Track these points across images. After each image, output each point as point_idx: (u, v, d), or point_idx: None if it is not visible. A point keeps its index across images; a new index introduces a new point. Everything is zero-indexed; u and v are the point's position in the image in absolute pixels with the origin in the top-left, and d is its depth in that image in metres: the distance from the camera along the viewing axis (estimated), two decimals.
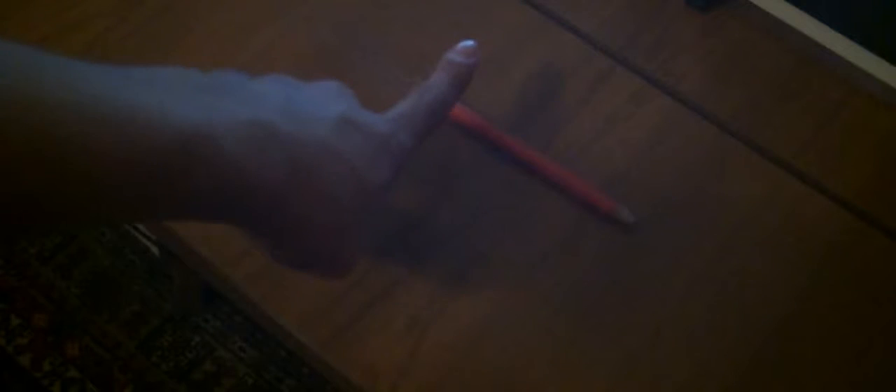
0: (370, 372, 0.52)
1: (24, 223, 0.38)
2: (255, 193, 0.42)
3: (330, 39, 0.63)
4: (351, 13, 0.64)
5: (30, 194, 0.36)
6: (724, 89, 0.64)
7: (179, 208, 0.41)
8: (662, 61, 0.65)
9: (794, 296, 0.57)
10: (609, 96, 0.63)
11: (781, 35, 0.66)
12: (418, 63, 0.62)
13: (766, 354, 0.55)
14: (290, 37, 0.63)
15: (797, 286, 0.57)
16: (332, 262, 0.48)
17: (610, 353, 0.54)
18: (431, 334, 0.53)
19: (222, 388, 1.33)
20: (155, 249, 1.37)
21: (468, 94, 0.53)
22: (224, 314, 1.38)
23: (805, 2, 0.65)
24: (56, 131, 0.35)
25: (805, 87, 0.65)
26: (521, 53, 0.64)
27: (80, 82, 0.37)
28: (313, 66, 0.62)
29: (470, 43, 0.52)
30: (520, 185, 0.59)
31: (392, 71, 0.62)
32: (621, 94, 0.63)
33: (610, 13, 0.66)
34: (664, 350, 0.54)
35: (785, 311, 0.56)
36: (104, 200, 0.38)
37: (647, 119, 0.62)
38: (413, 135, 0.49)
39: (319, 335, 0.53)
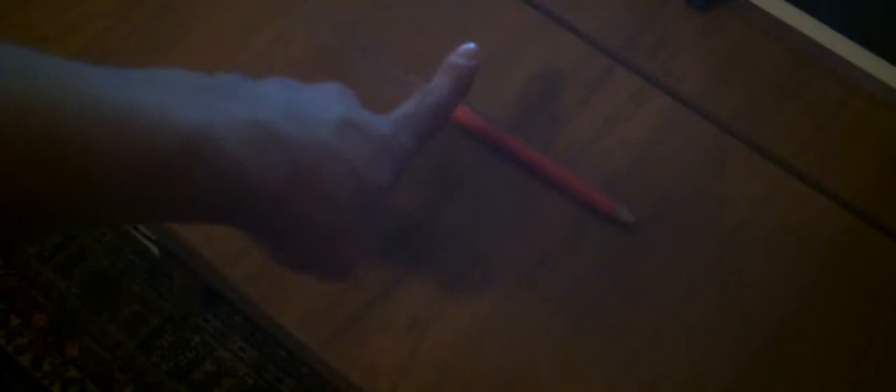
0: (370, 372, 0.52)
1: (24, 223, 0.38)
2: (255, 194, 0.42)
3: (330, 39, 0.63)
4: (351, 13, 0.64)
5: (30, 195, 0.36)
6: (724, 89, 0.64)
7: (180, 209, 0.41)
8: (662, 61, 0.65)
9: (794, 296, 0.57)
10: (609, 96, 0.63)
11: (781, 35, 0.66)
12: (418, 63, 0.62)
13: (766, 354, 0.55)
14: (290, 37, 0.63)
15: (797, 286, 0.57)
16: (334, 264, 0.48)
17: (610, 353, 0.54)
18: (431, 334, 0.53)
19: (222, 388, 1.33)
20: (155, 249, 1.37)
21: (468, 94, 0.53)
22: (224, 314, 1.38)
23: (805, 2, 0.65)
24: (56, 132, 0.35)
25: (805, 87, 0.65)
26: (521, 53, 0.64)
27: (79, 83, 0.37)
28: (313, 66, 0.62)
29: (471, 46, 0.52)
30: (520, 185, 0.59)
31: (392, 71, 0.62)
32: (621, 94, 0.63)
33: (610, 13, 0.66)
34: (664, 350, 0.54)
35: (785, 311, 0.56)
36: (104, 201, 0.38)
37: (647, 119, 0.62)
38: (414, 136, 0.49)
39: (319, 335, 0.53)
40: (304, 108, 0.44)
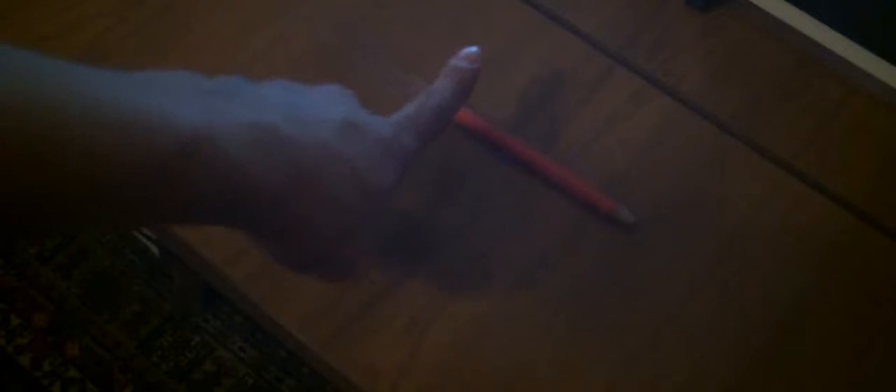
0: (370, 372, 0.52)
1: (25, 224, 0.38)
2: (256, 195, 0.42)
3: (330, 39, 0.63)
4: (351, 13, 0.64)
5: (30, 195, 0.36)
6: (724, 89, 0.64)
7: (181, 211, 0.41)
8: (662, 61, 0.65)
9: (794, 296, 0.57)
10: (609, 96, 0.63)
11: (781, 35, 0.66)
12: (418, 63, 0.62)
13: (766, 354, 0.55)
14: (290, 37, 0.63)
15: (797, 286, 0.57)
16: (334, 264, 0.48)
17: (610, 353, 0.54)
18: (431, 334, 0.53)
19: (222, 388, 1.33)
20: (155, 249, 1.37)
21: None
22: (224, 314, 1.38)
23: (805, 2, 0.65)
24: (56, 134, 0.35)
25: (805, 87, 0.65)
26: (522, 54, 0.64)
27: (80, 85, 0.37)
28: (313, 66, 0.62)
29: (473, 49, 0.53)
30: (520, 185, 0.59)
31: (392, 71, 0.62)
32: (621, 94, 0.63)
33: (610, 13, 0.66)
34: (664, 350, 0.54)
35: (785, 311, 0.56)
36: (104, 202, 0.38)
37: (647, 119, 0.62)
38: (416, 138, 0.49)
39: (319, 335, 0.53)
40: (306, 110, 0.44)
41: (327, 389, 1.32)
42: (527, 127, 0.61)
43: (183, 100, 0.40)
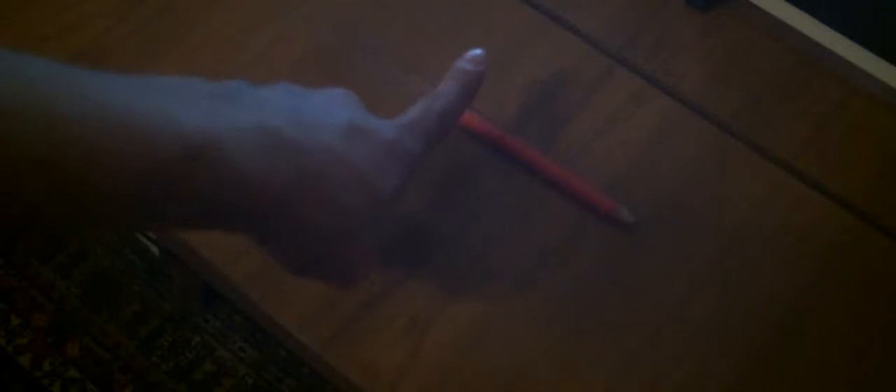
0: (370, 372, 0.52)
1: (24, 228, 0.37)
2: (259, 199, 0.41)
3: (330, 39, 0.63)
4: (351, 13, 0.64)
5: (28, 199, 0.36)
6: (724, 89, 0.64)
7: (182, 215, 0.41)
8: (662, 61, 0.65)
9: (794, 296, 0.57)
10: (609, 96, 0.63)
11: (781, 35, 0.66)
12: (418, 63, 0.62)
13: (766, 354, 0.55)
14: (290, 37, 0.63)
15: (797, 286, 0.57)
16: (334, 266, 0.48)
17: (610, 353, 0.54)
18: (431, 334, 0.53)
19: (222, 388, 1.33)
20: (155, 249, 1.37)
21: None
22: (224, 314, 1.38)
23: (805, 2, 0.65)
24: (53, 137, 0.35)
25: (805, 87, 0.65)
26: (522, 54, 0.64)
27: (80, 88, 0.37)
28: (313, 66, 0.62)
29: (478, 52, 0.53)
30: (520, 185, 0.59)
31: (392, 71, 0.62)
32: (621, 94, 0.63)
33: (610, 13, 0.66)
34: (664, 350, 0.54)
35: (785, 311, 0.56)
36: (105, 206, 0.38)
37: (647, 119, 0.62)
38: (421, 141, 0.49)
39: (319, 335, 0.53)
40: (310, 114, 0.44)
41: (327, 389, 1.32)
42: (527, 127, 0.61)
43: (186, 103, 0.40)
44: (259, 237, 0.45)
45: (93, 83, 0.38)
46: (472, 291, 0.55)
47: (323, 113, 0.45)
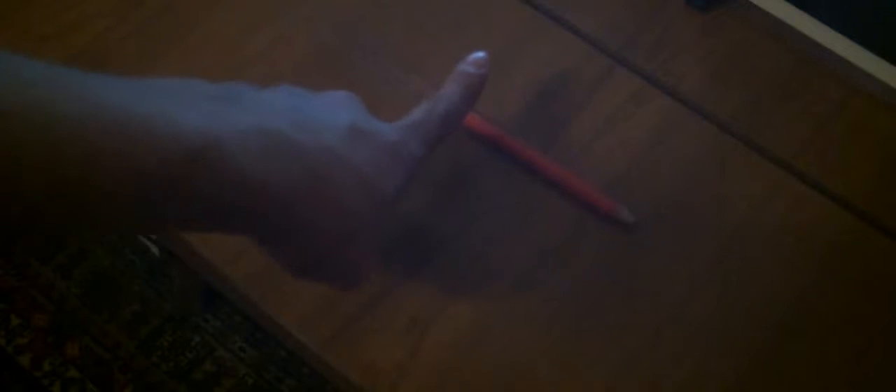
0: (370, 372, 0.52)
1: (22, 228, 0.37)
2: (260, 201, 0.41)
3: (330, 39, 0.63)
4: (351, 13, 0.64)
5: (26, 200, 0.36)
6: (724, 89, 0.64)
7: (184, 216, 0.41)
8: (662, 61, 0.65)
9: (794, 296, 0.57)
10: (609, 96, 0.63)
11: (781, 35, 0.66)
12: (418, 63, 0.62)
13: (766, 354, 0.55)
14: (290, 37, 0.63)
15: (797, 286, 0.57)
16: (336, 269, 0.48)
17: (610, 353, 0.54)
18: (431, 334, 0.53)
19: (222, 388, 1.33)
20: (155, 249, 1.37)
21: None
22: (224, 314, 1.38)
23: (805, 2, 0.65)
24: (51, 137, 0.35)
25: (805, 87, 0.65)
26: (521, 54, 0.64)
27: (79, 89, 0.37)
28: (313, 66, 0.62)
29: (481, 54, 0.53)
30: (520, 185, 0.59)
31: (392, 71, 0.62)
32: (621, 94, 0.63)
33: (610, 13, 0.66)
34: (664, 350, 0.54)
35: (785, 311, 0.56)
36: (104, 208, 0.38)
37: (647, 119, 0.62)
38: (423, 144, 0.49)
39: (319, 335, 0.53)
40: (312, 116, 0.44)
41: (327, 389, 1.32)
42: (527, 127, 0.61)
43: (185, 105, 0.40)
44: (259, 237, 0.45)
45: (92, 84, 0.38)
46: (472, 291, 0.55)
47: (325, 115, 0.45)
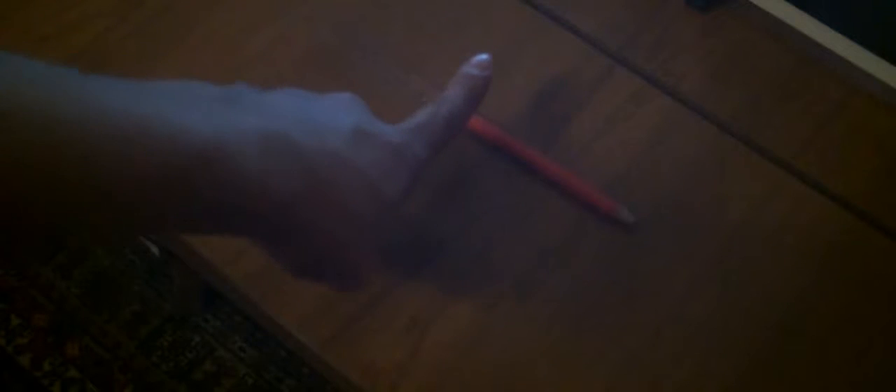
0: (370, 372, 0.52)
1: (20, 230, 0.37)
2: (263, 202, 0.41)
3: (330, 39, 0.63)
4: (351, 13, 0.64)
5: (24, 201, 0.36)
6: (724, 89, 0.64)
7: (184, 217, 0.41)
8: (662, 61, 0.65)
9: (794, 296, 0.57)
10: (609, 96, 0.63)
11: (781, 35, 0.66)
12: (418, 63, 0.62)
13: (766, 354, 0.55)
14: (290, 37, 0.63)
15: (797, 286, 0.57)
16: (337, 270, 0.48)
17: (610, 353, 0.54)
18: (431, 334, 0.53)
19: (222, 388, 1.33)
20: (155, 249, 1.37)
21: None
22: (224, 314, 1.38)
23: (805, 2, 0.65)
24: (49, 138, 0.35)
25: (805, 87, 0.65)
26: (521, 54, 0.64)
27: (79, 91, 0.37)
28: (313, 66, 0.62)
29: (485, 57, 0.53)
30: (520, 185, 0.59)
31: (392, 71, 0.62)
32: (621, 94, 0.63)
33: (610, 13, 0.66)
34: (664, 350, 0.54)
35: (785, 311, 0.56)
36: (105, 210, 0.38)
37: (647, 119, 0.62)
38: (427, 146, 0.49)
39: (319, 335, 0.53)
40: (316, 118, 0.44)
41: (327, 389, 1.32)
42: (526, 126, 0.61)
43: (188, 107, 0.40)
44: (267, 242, 0.45)
45: (92, 86, 0.37)
46: (472, 291, 0.55)
47: (329, 117, 0.45)
